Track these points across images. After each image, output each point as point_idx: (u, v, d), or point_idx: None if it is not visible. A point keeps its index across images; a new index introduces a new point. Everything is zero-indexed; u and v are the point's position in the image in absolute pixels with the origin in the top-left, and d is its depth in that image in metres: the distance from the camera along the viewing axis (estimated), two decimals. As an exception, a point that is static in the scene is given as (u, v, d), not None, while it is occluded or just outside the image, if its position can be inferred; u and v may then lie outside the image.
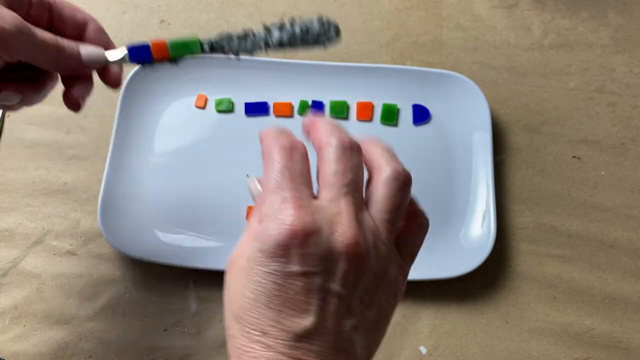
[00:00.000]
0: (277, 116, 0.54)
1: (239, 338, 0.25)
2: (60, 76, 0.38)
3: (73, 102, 0.37)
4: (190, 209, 0.50)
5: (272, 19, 0.59)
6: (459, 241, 0.49)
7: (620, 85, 0.56)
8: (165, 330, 0.47)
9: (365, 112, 0.54)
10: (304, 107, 0.54)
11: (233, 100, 0.54)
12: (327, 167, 0.27)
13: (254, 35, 0.36)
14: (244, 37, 0.36)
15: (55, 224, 0.51)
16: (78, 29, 0.37)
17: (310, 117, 0.30)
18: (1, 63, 0.33)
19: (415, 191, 0.51)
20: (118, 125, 0.51)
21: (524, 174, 0.53)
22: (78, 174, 0.53)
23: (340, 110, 0.54)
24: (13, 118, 0.55)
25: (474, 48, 0.58)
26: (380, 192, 0.27)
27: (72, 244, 0.50)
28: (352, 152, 0.28)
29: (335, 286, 0.25)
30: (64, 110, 0.36)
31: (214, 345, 0.46)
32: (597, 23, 0.59)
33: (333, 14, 0.59)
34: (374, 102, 0.54)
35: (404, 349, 0.47)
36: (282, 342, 0.24)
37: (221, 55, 0.38)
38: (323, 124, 0.29)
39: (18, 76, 0.36)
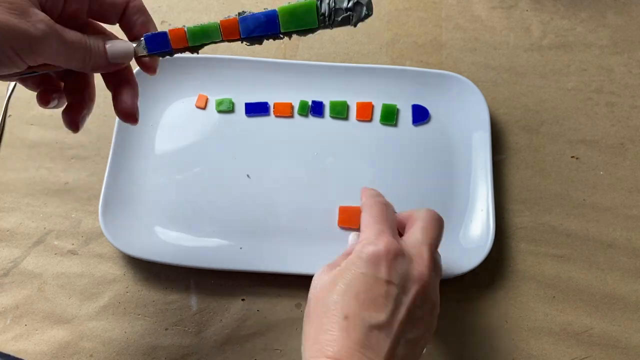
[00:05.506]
0: (277, 116, 0.54)
1: (323, 318, 0.32)
2: (105, 81, 0.37)
3: (126, 113, 0.37)
4: (191, 208, 0.51)
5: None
6: (458, 241, 0.49)
7: (618, 86, 0.56)
8: (166, 329, 0.47)
9: (365, 112, 0.54)
10: (304, 107, 0.54)
11: (233, 100, 0.54)
12: (419, 222, 0.38)
13: None
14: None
15: (56, 223, 0.51)
16: (118, 11, 0.35)
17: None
18: (24, 66, 0.31)
19: (415, 191, 0.51)
20: (119, 125, 0.52)
21: (523, 174, 0.53)
22: (79, 173, 0.53)
23: (340, 111, 0.54)
24: (14, 118, 0.55)
25: (473, 48, 0.58)
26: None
27: (73, 244, 0.50)
28: (440, 222, 0.39)
29: (406, 300, 0.33)
30: (65, 110, 0.37)
31: (214, 345, 0.47)
32: (595, 24, 0.59)
33: (333, 15, 0.60)
34: (373, 103, 0.54)
35: (403, 348, 0.47)
36: (358, 328, 0.31)
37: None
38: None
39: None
